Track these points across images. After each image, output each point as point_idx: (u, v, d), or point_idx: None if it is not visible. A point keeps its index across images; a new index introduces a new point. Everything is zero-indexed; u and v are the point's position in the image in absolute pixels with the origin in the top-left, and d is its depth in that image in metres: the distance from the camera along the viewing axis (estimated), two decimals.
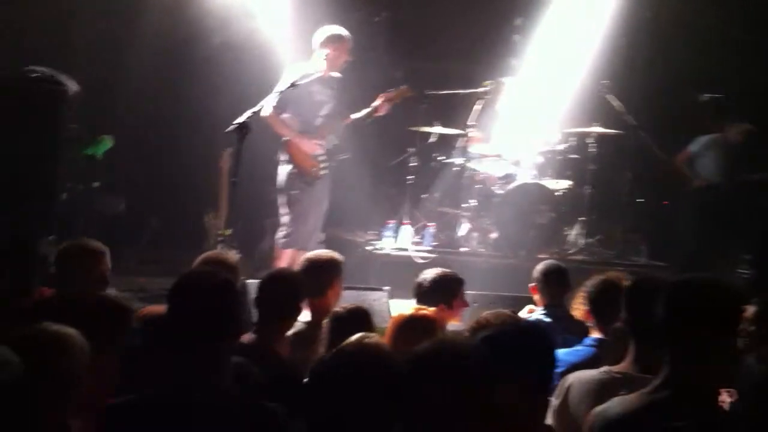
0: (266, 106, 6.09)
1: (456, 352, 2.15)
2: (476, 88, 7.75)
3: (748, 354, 3.09)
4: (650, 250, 7.84)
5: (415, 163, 7.74)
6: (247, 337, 3.49)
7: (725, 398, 2.83)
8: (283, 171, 6.49)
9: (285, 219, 6.48)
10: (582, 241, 7.61)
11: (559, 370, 3.05)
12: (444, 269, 4.38)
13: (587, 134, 7.70)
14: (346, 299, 4.27)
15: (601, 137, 7.70)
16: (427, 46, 8.85)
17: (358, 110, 6.70)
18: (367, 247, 7.50)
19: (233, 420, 2.33)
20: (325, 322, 3.58)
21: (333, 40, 6.39)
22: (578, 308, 4.12)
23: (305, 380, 2.86)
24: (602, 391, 2.85)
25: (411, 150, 7.79)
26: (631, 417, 2.33)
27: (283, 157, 6.51)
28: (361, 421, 2.19)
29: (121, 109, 7.69)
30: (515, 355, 2.36)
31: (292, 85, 6.01)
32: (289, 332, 3.74)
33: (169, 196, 7.88)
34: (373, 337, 2.51)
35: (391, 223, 7.56)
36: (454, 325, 4.13)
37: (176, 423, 2.30)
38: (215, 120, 6.85)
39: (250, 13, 7.48)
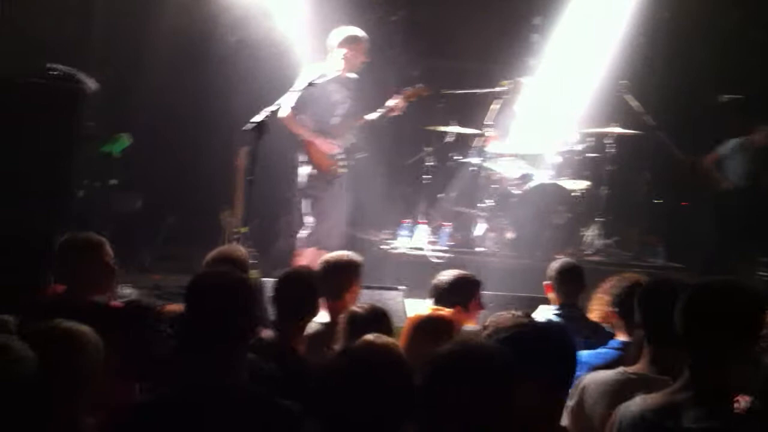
0: (284, 107, 6.09)
1: (481, 355, 2.13)
2: (493, 87, 7.72)
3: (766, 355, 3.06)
4: (668, 252, 7.78)
5: (432, 163, 7.72)
6: (266, 335, 3.49)
7: (740, 402, 2.79)
8: (303, 172, 6.51)
9: (307, 219, 6.50)
10: (599, 242, 7.57)
11: (581, 372, 3.04)
12: (461, 271, 4.35)
13: (605, 134, 7.66)
14: (361, 298, 4.26)
15: (619, 137, 7.65)
16: (444, 45, 8.83)
17: (375, 110, 6.69)
18: (382, 247, 7.49)
19: (249, 418, 2.33)
20: (342, 319, 3.57)
21: (350, 41, 6.39)
22: (596, 309, 4.08)
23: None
24: (618, 391, 2.84)
25: (427, 149, 7.78)
26: (653, 414, 2.32)
27: (302, 158, 6.53)
28: (367, 420, 2.17)
29: (138, 107, 7.71)
30: (537, 358, 2.34)
31: (310, 84, 6.01)
32: (307, 332, 3.74)
33: (186, 194, 7.89)
34: (382, 338, 2.50)
35: (407, 223, 7.55)
36: (470, 327, 4.10)
37: (192, 422, 2.30)
38: (232, 118, 6.86)
39: (267, 12, 7.49)
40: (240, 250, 4.41)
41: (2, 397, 2.07)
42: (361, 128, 6.70)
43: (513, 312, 2.59)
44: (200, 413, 2.30)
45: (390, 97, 6.73)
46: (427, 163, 7.73)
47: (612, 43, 8.16)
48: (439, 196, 7.98)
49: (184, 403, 2.34)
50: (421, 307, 4.71)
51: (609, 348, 3.53)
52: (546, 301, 4.59)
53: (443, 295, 4.15)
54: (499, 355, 2.14)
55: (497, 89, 7.69)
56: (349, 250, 4.61)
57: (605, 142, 7.67)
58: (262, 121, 5.48)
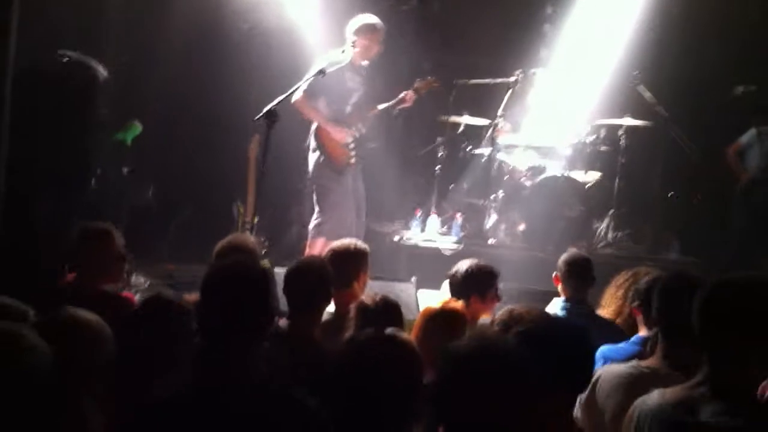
0: (297, 92, 6.08)
1: (499, 352, 2.11)
2: (506, 78, 7.69)
3: None
4: (681, 246, 7.74)
5: (444, 154, 7.70)
6: (282, 324, 3.49)
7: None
8: (312, 159, 6.48)
9: (316, 208, 6.48)
10: (611, 235, 7.54)
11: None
12: (478, 260, 4.33)
13: (618, 126, 7.62)
14: (372, 290, 4.25)
15: (632, 129, 7.61)
16: (456, 35, 8.80)
17: (385, 100, 6.67)
18: (394, 238, 7.48)
19: (266, 413, 2.32)
20: (352, 311, 3.57)
21: (366, 30, 6.37)
22: (609, 304, 4.06)
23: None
24: (631, 385, 2.84)
25: (439, 140, 7.75)
26: (672, 409, 2.30)
27: (312, 144, 6.49)
28: (375, 414, 2.17)
29: (150, 96, 7.70)
30: (553, 355, 2.33)
31: (320, 72, 5.99)
32: None
33: (198, 183, 7.89)
34: (396, 331, 2.50)
35: (419, 214, 7.54)
36: (485, 318, 4.10)
37: (209, 417, 2.30)
38: (245, 107, 6.85)
39: (281, 1, 7.47)
40: (250, 239, 4.42)
41: (14, 387, 2.08)
42: (373, 118, 6.69)
43: (534, 306, 2.58)
44: (218, 408, 2.30)
45: (401, 87, 6.72)
46: (439, 155, 7.71)
47: (624, 33, 8.10)
48: (450, 187, 7.96)
49: (201, 397, 2.33)
50: (433, 299, 4.72)
51: (630, 343, 3.50)
52: (558, 295, 4.57)
53: (461, 284, 4.16)
54: (517, 352, 2.13)
55: (510, 80, 7.65)
56: (361, 241, 4.60)
57: (618, 134, 7.62)
58: (272, 109, 5.47)
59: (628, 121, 7.55)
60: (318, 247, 6.29)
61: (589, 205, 7.37)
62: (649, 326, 3.44)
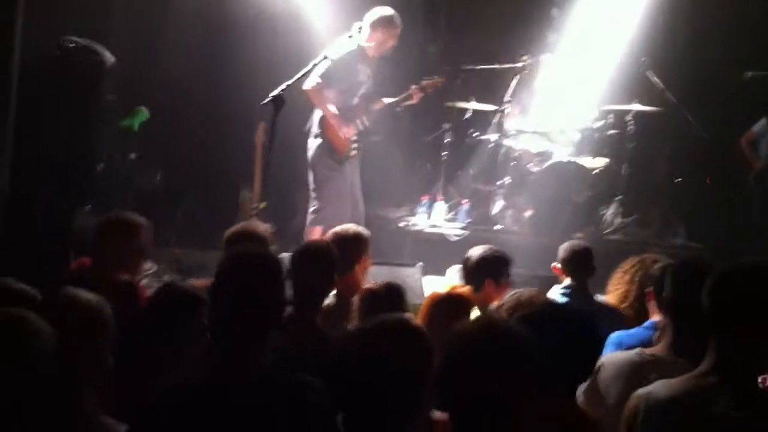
0: (310, 79, 6.04)
1: (504, 336, 2.09)
2: (513, 63, 7.65)
3: None
4: (689, 232, 7.72)
5: (450, 140, 7.68)
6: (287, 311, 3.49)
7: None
8: (313, 145, 6.43)
9: (314, 196, 6.46)
10: (618, 221, 7.51)
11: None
12: (493, 246, 4.35)
13: (626, 112, 7.58)
14: (379, 275, 4.27)
15: (640, 115, 7.56)
16: (463, 20, 8.75)
17: (392, 89, 6.65)
18: (400, 224, 7.48)
19: (275, 395, 2.33)
20: (357, 297, 3.57)
21: (384, 23, 6.30)
22: (615, 289, 4.05)
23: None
24: (633, 372, 2.82)
25: (446, 126, 7.73)
26: (679, 401, 2.28)
27: (316, 130, 6.44)
28: (385, 400, 2.17)
29: (157, 82, 7.70)
30: (560, 342, 2.34)
31: (325, 57, 5.96)
32: None
33: (205, 168, 7.90)
34: (402, 316, 2.49)
35: (425, 200, 7.52)
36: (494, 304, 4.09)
37: (219, 402, 2.30)
38: (251, 93, 6.84)
39: None
40: (261, 226, 4.41)
41: (17, 371, 2.07)
42: (378, 112, 6.66)
43: (539, 291, 2.58)
44: (229, 394, 2.30)
45: (406, 75, 6.69)
46: (445, 140, 7.68)
47: (633, 18, 8.05)
48: (457, 173, 7.94)
49: (212, 384, 2.33)
50: (439, 284, 4.73)
51: (644, 328, 3.48)
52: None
53: (475, 269, 4.18)
54: (520, 336, 2.12)
55: (517, 65, 7.62)
56: (364, 227, 4.60)
57: (626, 119, 7.59)
58: (278, 94, 5.45)
59: (637, 106, 7.51)
60: (316, 235, 6.27)
61: (596, 191, 7.35)
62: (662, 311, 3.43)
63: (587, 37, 7.99)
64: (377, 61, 6.51)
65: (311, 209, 6.45)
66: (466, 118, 7.82)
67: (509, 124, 7.57)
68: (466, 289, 3.72)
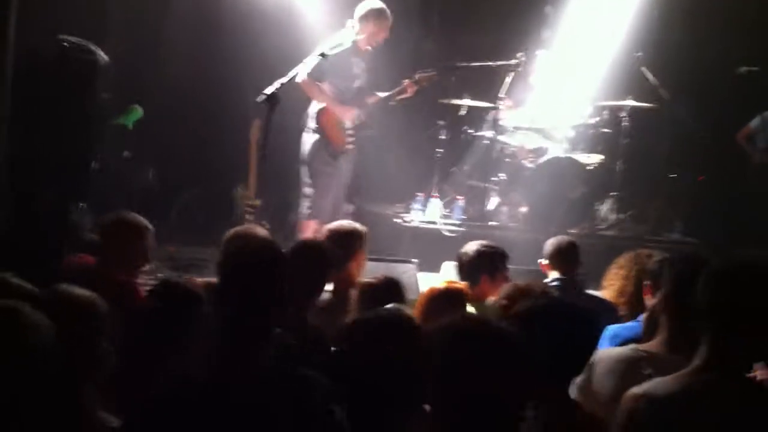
0: (301, 72, 6.04)
1: (491, 332, 2.08)
2: (508, 60, 7.65)
3: None
4: (684, 227, 7.73)
5: (445, 136, 7.68)
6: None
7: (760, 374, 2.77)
8: (309, 140, 6.42)
9: (308, 191, 6.45)
10: (614, 217, 7.53)
11: (611, 345, 3.04)
12: (488, 242, 4.36)
13: (620, 108, 7.59)
14: (374, 271, 4.26)
15: (634, 111, 7.58)
16: (457, 16, 8.75)
17: (386, 84, 6.65)
18: (395, 220, 7.48)
19: (280, 392, 2.33)
20: (354, 292, 3.57)
21: (375, 16, 6.32)
22: (610, 285, 4.06)
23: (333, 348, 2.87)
24: (626, 369, 2.81)
25: (441, 123, 7.73)
26: (676, 399, 2.26)
27: (312, 125, 6.44)
28: (387, 391, 2.17)
29: (151, 80, 7.69)
30: (557, 335, 2.34)
31: (322, 55, 5.96)
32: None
33: (200, 166, 7.89)
34: (395, 307, 2.49)
35: (420, 196, 7.52)
36: (493, 299, 4.10)
37: (223, 399, 2.30)
38: (245, 90, 6.83)
39: None
40: (260, 229, 4.40)
41: (14, 367, 2.06)
42: (372, 106, 6.66)
43: (539, 282, 2.58)
44: (232, 393, 2.30)
45: (401, 70, 6.69)
46: (440, 137, 7.68)
47: (627, 14, 8.06)
48: (452, 169, 7.94)
49: (216, 383, 2.33)
50: (435, 280, 4.72)
51: (639, 321, 3.46)
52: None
53: (471, 264, 4.19)
54: (515, 335, 2.11)
55: (511, 62, 7.62)
56: (359, 222, 4.60)
57: (620, 115, 7.60)
58: (273, 92, 5.45)
59: (631, 102, 7.52)
60: (310, 229, 6.28)
61: (591, 187, 7.37)
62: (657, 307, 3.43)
63: (581, 33, 8.01)
64: (371, 55, 6.51)
65: (305, 203, 6.45)
66: (460, 115, 7.82)
67: (504, 121, 7.57)
68: (462, 285, 3.72)
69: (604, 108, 7.67)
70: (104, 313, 2.44)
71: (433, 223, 7.29)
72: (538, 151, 7.46)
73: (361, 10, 6.34)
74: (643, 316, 3.50)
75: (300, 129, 6.58)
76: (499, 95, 7.59)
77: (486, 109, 7.71)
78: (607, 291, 4.09)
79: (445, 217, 7.43)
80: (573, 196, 7.26)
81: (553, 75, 7.71)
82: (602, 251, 5.94)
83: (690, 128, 7.78)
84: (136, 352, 2.74)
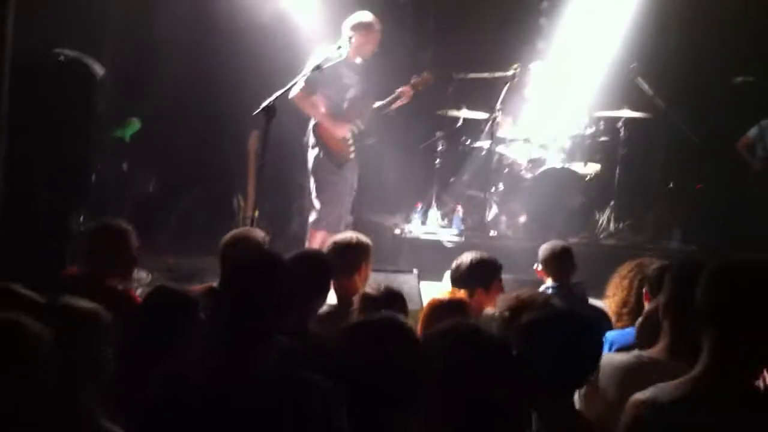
0: (294, 88, 6.07)
1: (480, 340, 2.07)
2: (504, 71, 7.68)
3: None
4: (683, 235, 7.74)
5: (443, 147, 7.69)
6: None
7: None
8: (312, 155, 6.49)
9: (317, 202, 6.48)
10: (612, 226, 7.54)
11: (611, 351, 3.04)
12: (482, 253, 4.33)
13: (617, 118, 7.62)
14: (375, 282, 4.24)
15: (630, 121, 7.61)
16: (453, 28, 8.78)
17: (382, 94, 6.67)
18: (395, 230, 7.48)
19: (279, 395, 2.33)
20: (356, 301, 3.55)
21: (363, 27, 6.37)
22: (613, 294, 4.05)
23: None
24: (630, 376, 2.80)
25: (439, 134, 7.74)
26: (680, 405, 2.25)
27: (311, 140, 6.49)
28: (377, 395, 2.16)
29: (150, 92, 7.70)
30: (560, 344, 2.34)
31: (317, 67, 5.98)
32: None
33: (199, 177, 7.89)
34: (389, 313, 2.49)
35: (420, 207, 7.53)
36: (490, 311, 4.09)
37: (221, 403, 2.30)
38: (243, 101, 6.83)
39: None
40: (257, 232, 4.40)
41: (15, 377, 2.05)
42: (370, 115, 6.68)
43: (539, 292, 2.58)
44: (231, 397, 2.30)
45: (398, 81, 6.72)
46: (438, 148, 7.69)
47: (622, 25, 8.10)
48: (451, 180, 7.95)
49: (214, 387, 2.33)
50: (436, 290, 4.71)
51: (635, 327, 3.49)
52: None
53: (464, 276, 4.16)
54: (510, 340, 2.10)
55: (508, 73, 7.64)
56: (361, 233, 4.59)
57: (617, 125, 7.63)
58: (270, 104, 5.48)
59: (627, 112, 7.55)
60: (318, 239, 6.29)
61: (589, 196, 7.39)
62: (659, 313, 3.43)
63: (577, 44, 8.04)
64: (365, 66, 6.53)
65: (314, 216, 6.48)
66: (458, 126, 7.84)
67: (502, 132, 7.59)
68: (464, 294, 3.71)
69: (600, 118, 7.70)
70: (108, 323, 2.44)
71: (433, 233, 7.29)
72: (536, 162, 7.48)
73: (350, 22, 6.39)
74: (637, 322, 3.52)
75: (299, 140, 6.60)
76: (496, 106, 7.61)
77: (484, 120, 7.73)
78: (610, 301, 4.07)
79: (445, 227, 7.43)
80: (571, 206, 7.28)
81: (549, 86, 7.74)
82: (602, 260, 5.93)
83: (686, 137, 7.79)
84: (132, 357, 2.74)
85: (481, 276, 4.16)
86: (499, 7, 8.51)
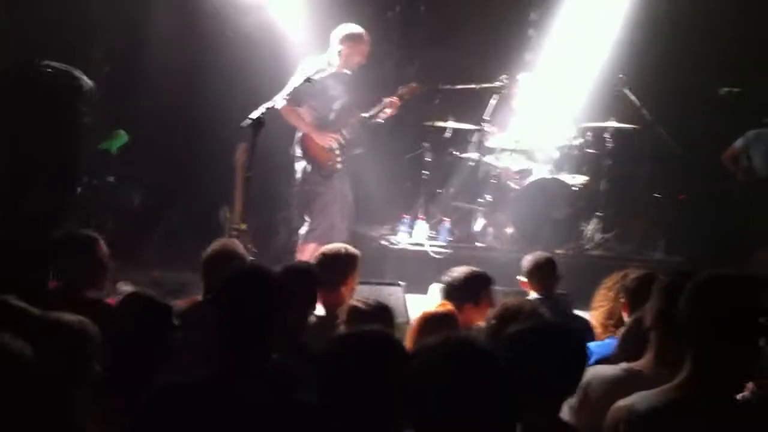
0: (281, 99, 6.08)
1: (467, 352, 2.07)
2: (491, 82, 7.70)
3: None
4: (668, 246, 7.77)
5: (430, 158, 7.70)
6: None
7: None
8: (300, 167, 6.49)
9: (305, 214, 6.47)
10: (599, 237, 7.56)
11: (590, 362, 3.04)
12: (472, 267, 4.32)
13: (604, 129, 7.65)
14: (361, 294, 4.24)
15: (617, 132, 7.64)
16: (441, 40, 8.80)
17: (370, 105, 6.68)
18: (382, 242, 7.47)
19: (268, 417, 2.34)
20: (342, 314, 3.55)
21: (350, 39, 6.39)
22: (600, 305, 4.05)
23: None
24: (621, 387, 2.79)
25: (425, 145, 7.75)
26: (659, 412, 2.28)
27: (298, 152, 6.50)
28: (363, 406, 2.16)
29: (136, 104, 7.69)
30: (548, 360, 2.35)
31: (307, 80, 5.99)
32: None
33: (185, 190, 7.88)
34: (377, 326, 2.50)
35: (407, 218, 7.52)
36: (481, 324, 4.08)
37: (211, 418, 2.31)
38: (230, 113, 6.83)
39: (264, 6, 7.46)
40: (239, 245, 4.38)
41: None
42: (357, 125, 6.69)
43: (527, 300, 2.58)
44: (221, 409, 2.31)
45: (385, 92, 6.73)
46: (426, 159, 7.70)
47: (610, 36, 8.14)
48: (438, 191, 7.96)
49: (209, 396, 2.35)
50: (422, 303, 4.71)
51: (614, 338, 3.50)
52: None
53: (454, 291, 4.15)
54: (498, 352, 2.10)
55: (495, 84, 7.66)
56: (349, 244, 4.59)
57: (604, 136, 7.66)
58: (258, 116, 5.48)
59: (614, 123, 7.58)
60: (308, 252, 6.28)
61: (576, 207, 7.40)
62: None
63: (564, 55, 8.08)
64: (352, 77, 6.55)
65: (304, 228, 6.47)
66: (445, 137, 7.85)
67: (489, 143, 7.60)
68: (452, 307, 3.71)
69: (587, 129, 7.72)
70: (95, 336, 2.44)
71: (420, 245, 7.28)
72: (523, 173, 7.49)
73: (338, 33, 6.40)
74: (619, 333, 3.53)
75: (286, 152, 6.60)
76: (484, 117, 7.63)
77: (471, 131, 7.74)
78: (597, 312, 4.08)
79: (432, 238, 7.42)
80: (558, 217, 7.29)
81: (537, 97, 7.76)
82: (588, 271, 5.95)
83: (671, 149, 7.83)
84: (115, 365, 2.75)
85: (471, 290, 4.15)
86: (487, 19, 8.54)
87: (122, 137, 7.21)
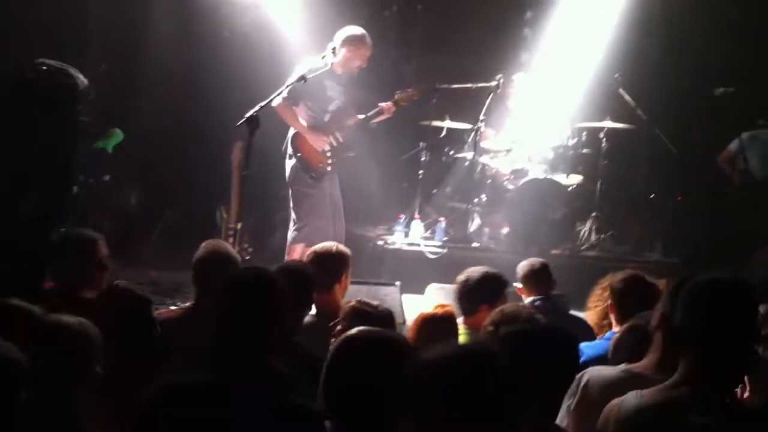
0: (278, 98, 6.07)
1: (475, 357, 2.08)
2: (487, 82, 7.71)
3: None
4: (664, 247, 7.79)
5: (426, 158, 7.70)
6: None
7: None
8: (289, 165, 6.46)
9: (294, 215, 6.46)
10: (594, 237, 7.57)
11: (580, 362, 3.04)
12: (488, 268, 4.22)
13: (599, 129, 7.66)
14: (357, 294, 4.22)
15: (612, 132, 7.65)
16: (437, 40, 8.82)
17: (366, 106, 6.68)
18: (378, 242, 7.47)
19: (268, 421, 2.35)
20: (343, 312, 3.53)
21: (353, 42, 6.36)
22: (594, 306, 4.07)
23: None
24: (620, 389, 2.78)
25: (422, 144, 7.76)
26: (649, 411, 2.30)
27: (289, 151, 6.47)
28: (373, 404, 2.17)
29: (132, 103, 7.68)
30: (543, 362, 2.36)
31: (302, 78, 5.99)
32: None
33: (182, 189, 7.87)
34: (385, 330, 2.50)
35: (402, 218, 7.53)
36: None
37: (221, 408, 2.32)
38: (227, 113, 6.84)
39: (261, 6, 7.46)
40: (228, 246, 4.35)
41: None
42: (352, 127, 6.68)
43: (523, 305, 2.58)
44: (220, 410, 2.32)
45: (381, 93, 6.73)
46: (421, 159, 7.71)
47: (605, 37, 8.16)
48: (434, 191, 7.96)
49: (204, 397, 2.35)
50: (418, 303, 4.71)
51: (605, 339, 3.54)
52: None
53: (470, 292, 4.07)
54: (499, 360, 2.11)
55: (491, 84, 7.66)
56: (342, 245, 4.58)
57: (599, 136, 7.67)
58: (253, 115, 5.47)
59: (609, 123, 7.59)
60: (297, 252, 6.26)
61: (571, 208, 7.41)
62: (620, 323, 3.47)
63: (560, 55, 8.09)
64: (349, 78, 6.54)
65: (292, 227, 6.46)
66: (441, 137, 7.86)
67: (485, 143, 7.61)
68: (450, 308, 3.70)
69: (583, 129, 7.73)
70: (95, 338, 2.45)
71: (416, 245, 7.29)
72: (519, 173, 7.50)
73: (340, 35, 6.38)
74: (609, 334, 3.54)
75: (282, 153, 6.60)
76: (480, 117, 7.63)
77: (467, 131, 7.75)
78: (591, 312, 4.11)
79: (428, 238, 7.44)
80: (554, 217, 7.30)
81: (532, 97, 7.77)
82: (584, 271, 5.97)
83: (667, 149, 7.84)
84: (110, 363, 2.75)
85: (487, 293, 4.02)
86: (483, 19, 8.56)
87: (118, 136, 7.20)
